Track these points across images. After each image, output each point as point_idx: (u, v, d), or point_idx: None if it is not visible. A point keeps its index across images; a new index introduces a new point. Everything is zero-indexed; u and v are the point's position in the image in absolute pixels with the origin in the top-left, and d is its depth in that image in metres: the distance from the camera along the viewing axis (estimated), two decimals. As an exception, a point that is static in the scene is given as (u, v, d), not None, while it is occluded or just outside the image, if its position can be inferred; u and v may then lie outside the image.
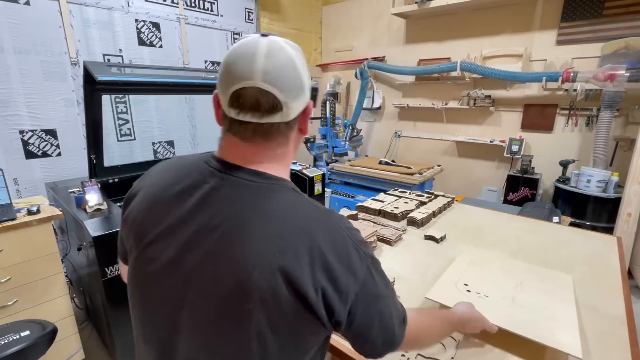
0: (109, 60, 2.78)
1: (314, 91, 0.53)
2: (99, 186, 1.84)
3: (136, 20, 2.89)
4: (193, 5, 3.29)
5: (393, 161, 3.64)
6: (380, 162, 3.63)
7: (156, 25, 3.03)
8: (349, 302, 0.53)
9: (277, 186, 0.57)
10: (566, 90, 3.11)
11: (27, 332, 1.23)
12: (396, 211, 1.68)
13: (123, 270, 0.74)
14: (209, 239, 0.53)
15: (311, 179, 2.58)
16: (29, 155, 2.45)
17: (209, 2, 3.42)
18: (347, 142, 4.02)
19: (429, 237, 1.47)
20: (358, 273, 0.54)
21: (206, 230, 0.53)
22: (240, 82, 0.52)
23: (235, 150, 0.58)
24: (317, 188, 2.64)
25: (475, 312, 0.83)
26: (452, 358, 0.82)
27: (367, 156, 4.64)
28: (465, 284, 1.07)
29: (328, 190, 3.65)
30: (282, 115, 0.55)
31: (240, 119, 0.55)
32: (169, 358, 0.57)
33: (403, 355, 0.83)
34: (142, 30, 2.95)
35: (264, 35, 0.55)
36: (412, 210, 1.72)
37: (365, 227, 1.39)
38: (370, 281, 0.56)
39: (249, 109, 0.53)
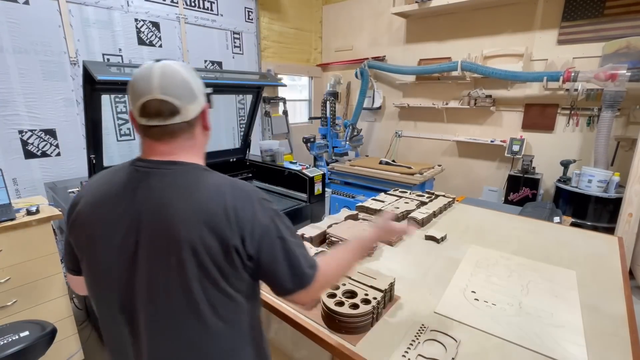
0: (108, 59, 2.77)
1: (208, 96, 0.74)
2: (99, 186, 1.83)
3: (136, 20, 2.88)
4: (193, 4, 3.28)
5: (393, 161, 3.63)
6: (380, 162, 3.62)
7: (156, 25, 3.02)
8: (256, 242, 0.68)
9: (191, 168, 0.73)
10: (567, 90, 3.11)
11: (27, 333, 1.22)
12: (397, 211, 1.67)
13: (75, 281, 0.86)
14: (147, 218, 0.68)
15: (311, 179, 2.57)
16: (28, 155, 2.44)
17: (208, 1, 3.41)
18: (347, 142, 4.01)
19: (430, 238, 1.46)
20: (262, 220, 0.69)
21: (143, 213, 0.68)
22: (143, 97, 0.68)
23: (152, 150, 0.73)
24: (317, 188, 2.63)
25: (387, 226, 0.95)
26: (453, 358, 0.81)
27: (367, 156, 4.63)
28: (473, 291, 1.07)
29: (328, 190, 3.64)
30: (182, 116, 0.70)
31: (150, 124, 0.69)
32: (135, 319, 0.70)
33: (404, 356, 0.82)
34: (142, 29, 2.94)
35: (157, 60, 0.71)
36: (412, 211, 1.71)
37: (365, 227, 1.38)
38: (272, 227, 0.70)
39: (154, 115, 0.69)
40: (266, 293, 1.06)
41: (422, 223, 1.61)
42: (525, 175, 3.32)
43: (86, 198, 0.75)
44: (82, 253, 0.75)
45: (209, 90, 0.81)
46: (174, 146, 0.73)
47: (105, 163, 2.14)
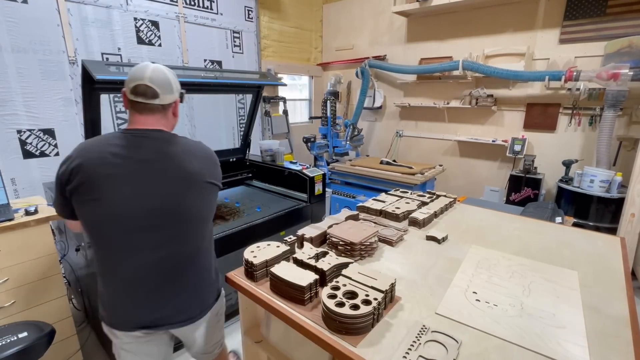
0: (107, 59, 2.76)
1: (182, 94, 1.16)
2: (97, 186, 1.83)
3: (135, 19, 2.87)
4: (192, 3, 3.27)
5: (394, 161, 3.62)
6: (381, 162, 3.61)
7: (155, 24, 3.01)
8: (219, 176, 1.19)
9: (174, 135, 1.12)
10: (569, 89, 3.09)
11: (25, 334, 1.21)
12: (397, 211, 1.66)
13: (73, 223, 1.11)
14: (157, 163, 1.04)
15: (311, 179, 2.56)
16: (27, 155, 2.44)
17: (208, 0, 3.40)
18: (347, 142, 4.00)
19: (431, 238, 1.45)
20: (218, 164, 1.21)
21: (148, 163, 1.03)
22: (136, 81, 1.03)
23: (138, 121, 1.07)
24: (318, 188, 2.62)
25: None
26: (455, 359, 0.80)
27: (368, 156, 4.63)
28: (475, 292, 1.06)
29: (329, 191, 3.63)
30: (160, 100, 1.06)
31: (137, 100, 1.04)
32: (155, 226, 1.04)
33: (404, 357, 0.81)
34: (141, 28, 2.93)
35: (153, 62, 1.08)
36: (413, 211, 1.70)
37: (366, 228, 1.37)
38: (220, 172, 1.23)
39: (141, 95, 1.04)
40: (266, 294, 1.05)
41: (423, 223, 1.60)
42: (527, 175, 3.30)
43: (87, 156, 1.00)
44: (93, 199, 0.99)
45: (183, 90, 1.18)
46: (152, 120, 1.08)
47: (105, 163, 2.13)
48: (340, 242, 1.28)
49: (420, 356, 0.81)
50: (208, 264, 1.19)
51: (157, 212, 1.03)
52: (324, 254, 1.19)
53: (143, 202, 1.01)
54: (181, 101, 1.17)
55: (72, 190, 1.00)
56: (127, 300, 1.07)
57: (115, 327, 1.10)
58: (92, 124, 1.90)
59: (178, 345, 1.40)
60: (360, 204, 1.78)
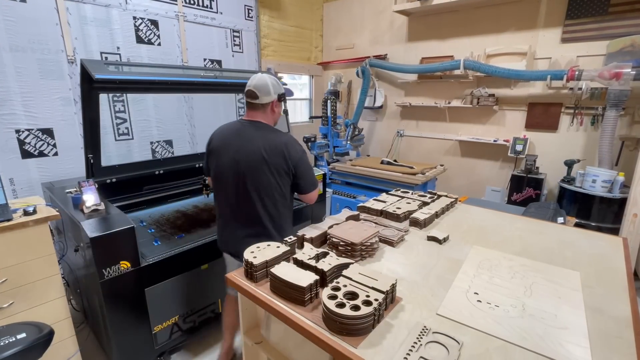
0: (106, 58, 2.75)
1: (280, 95, 1.54)
2: (97, 186, 1.82)
3: (134, 18, 2.86)
4: (192, 2, 3.26)
5: (395, 161, 3.61)
6: (382, 162, 3.60)
7: (154, 23, 3.00)
8: (293, 163, 1.55)
9: (265, 125, 1.57)
10: (571, 88, 3.08)
11: (24, 335, 1.20)
12: (398, 212, 1.65)
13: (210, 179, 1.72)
14: (245, 146, 1.53)
15: (312, 178, 2.55)
16: (25, 155, 2.43)
17: (208, -1, 3.40)
18: (348, 142, 3.99)
19: (432, 238, 1.44)
20: (296, 155, 1.55)
21: (244, 142, 1.53)
22: (247, 87, 1.55)
23: (248, 114, 1.60)
24: (318, 188, 2.60)
25: None
26: (456, 362, 0.79)
27: (368, 156, 4.62)
28: (476, 293, 1.05)
29: (329, 191, 3.62)
30: (259, 100, 1.54)
31: (248, 101, 1.57)
32: (240, 190, 1.55)
33: (405, 358, 0.80)
34: (140, 27, 2.92)
35: (262, 72, 1.60)
36: (414, 211, 1.69)
37: (367, 228, 1.36)
38: (301, 160, 1.56)
39: (248, 96, 1.56)
40: (266, 294, 1.04)
41: (424, 224, 1.59)
42: (528, 175, 3.29)
43: (217, 134, 1.63)
44: (213, 161, 1.60)
45: (282, 92, 1.59)
46: (255, 113, 1.56)
47: (103, 163, 2.13)
48: (341, 243, 1.27)
49: (421, 357, 0.80)
50: (270, 225, 1.58)
51: (240, 175, 1.52)
52: (325, 254, 1.18)
53: (235, 167, 1.52)
54: (279, 100, 1.59)
55: (208, 153, 1.65)
56: (221, 230, 1.67)
57: (220, 247, 1.72)
58: (91, 124, 1.89)
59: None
60: (361, 204, 1.77)
